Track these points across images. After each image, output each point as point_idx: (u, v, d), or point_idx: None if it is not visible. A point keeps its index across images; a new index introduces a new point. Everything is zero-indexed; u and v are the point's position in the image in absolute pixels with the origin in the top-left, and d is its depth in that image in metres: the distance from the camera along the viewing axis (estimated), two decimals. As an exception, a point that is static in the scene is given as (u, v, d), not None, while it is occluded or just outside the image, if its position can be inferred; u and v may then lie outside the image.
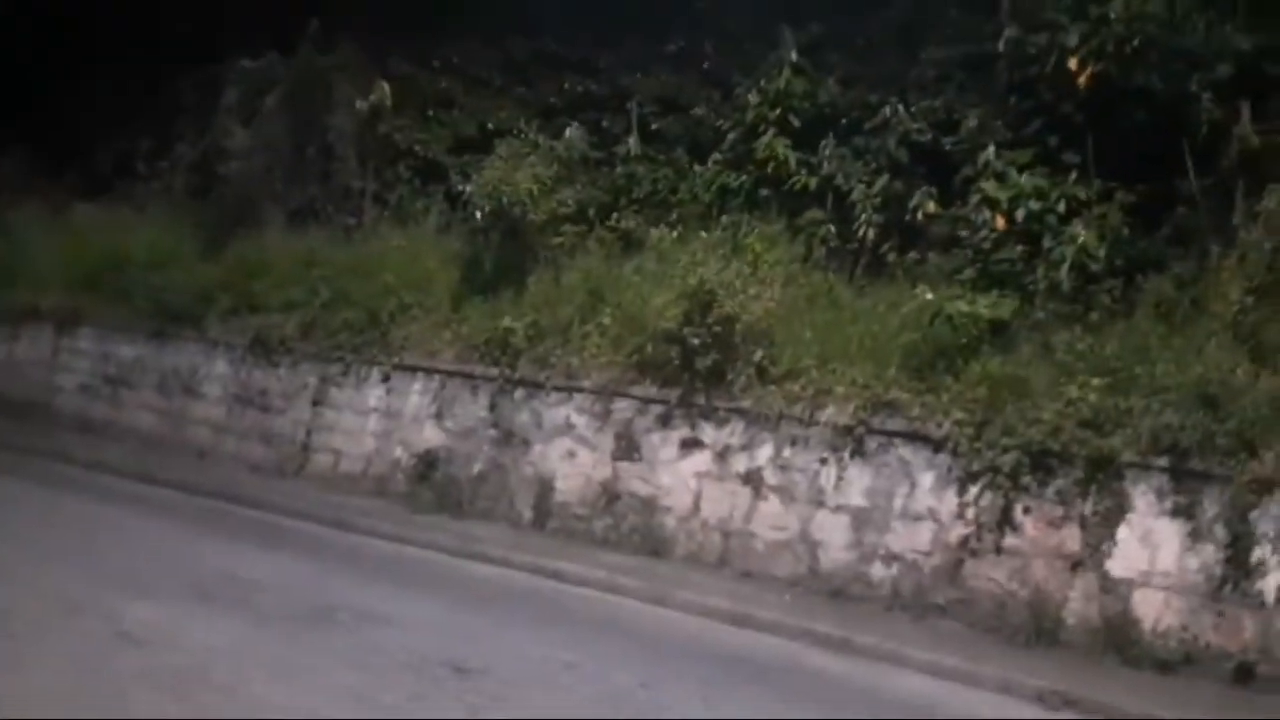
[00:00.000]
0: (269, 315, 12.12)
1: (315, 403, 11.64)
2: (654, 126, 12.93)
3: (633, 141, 12.54)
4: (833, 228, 10.38)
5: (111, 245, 13.82)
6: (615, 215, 11.92)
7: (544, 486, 9.86)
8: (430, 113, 14.52)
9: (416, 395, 10.96)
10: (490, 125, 13.87)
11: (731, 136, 11.48)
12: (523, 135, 12.65)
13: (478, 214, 11.35)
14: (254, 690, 5.13)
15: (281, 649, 5.86)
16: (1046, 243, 9.01)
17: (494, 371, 10.42)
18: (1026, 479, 7.73)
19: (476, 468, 10.37)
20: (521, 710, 5.31)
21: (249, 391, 12.18)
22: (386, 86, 13.55)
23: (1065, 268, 8.71)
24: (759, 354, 9.17)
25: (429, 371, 10.93)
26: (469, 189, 11.99)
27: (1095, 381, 7.70)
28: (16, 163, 16.52)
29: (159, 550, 7.95)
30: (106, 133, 16.22)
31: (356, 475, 11.13)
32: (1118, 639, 7.16)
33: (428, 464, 10.59)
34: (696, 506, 9.14)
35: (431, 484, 10.45)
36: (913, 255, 9.92)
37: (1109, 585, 7.34)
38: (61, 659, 5.25)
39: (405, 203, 13.60)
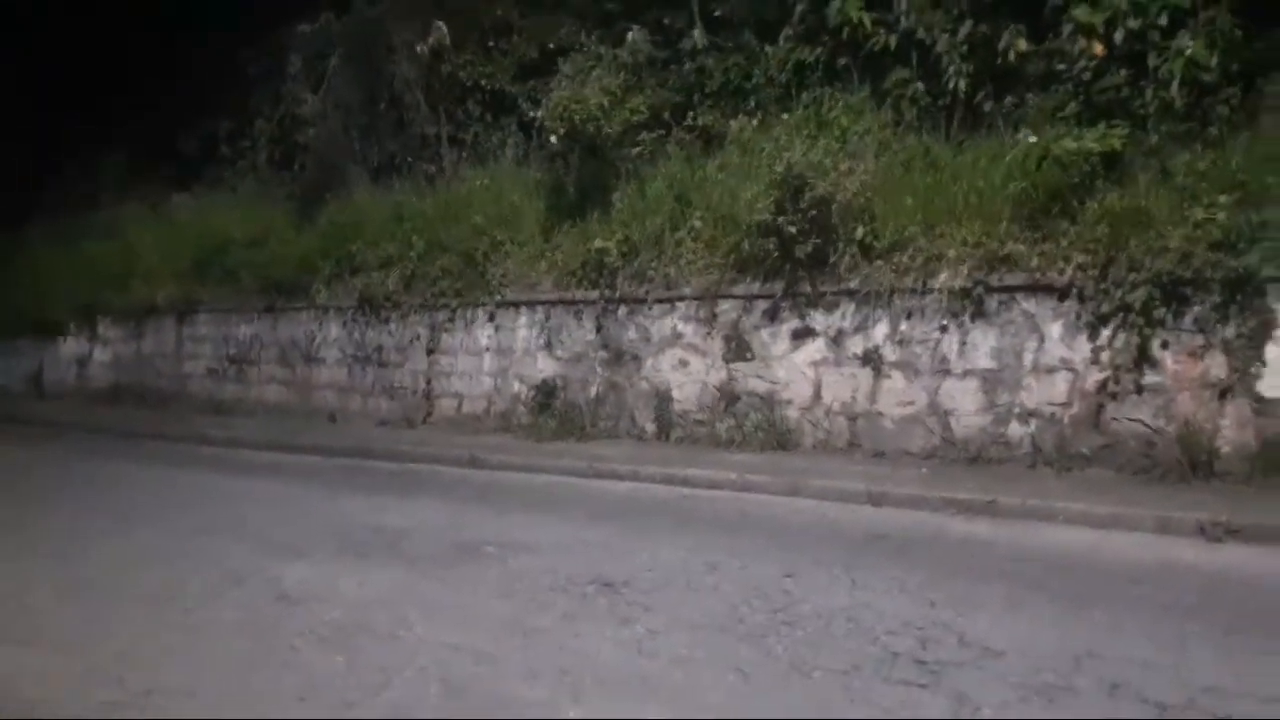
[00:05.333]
0: (370, 274, 12.38)
1: (430, 351, 11.87)
2: (717, 14, 12.47)
3: (697, 34, 12.15)
4: (920, 85, 9.94)
5: (211, 230, 14.30)
6: (690, 114, 11.67)
7: (662, 398, 9.87)
8: (491, 44, 14.33)
9: (524, 329, 11.06)
10: (551, 45, 13.63)
11: (800, 8, 11.00)
12: (584, 49, 12.43)
13: (552, 139, 11.21)
14: (416, 632, 5.26)
15: (435, 589, 6.01)
16: (1152, 61, 8.44)
17: (594, 295, 10.40)
18: (1160, 312, 7.38)
19: (593, 390, 10.44)
20: (673, 614, 5.33)
21: (365, 350, 12.49)
22: (443, 25, 13.45)
23: (1175, 84, 8.15)
24: (860, 231, 8.91)
25: (531, 304, 11.00)
26: (540, 115, 11.82)
27: (1223, 199, 7.28)
28: (114, 165, 17.17)
29: (306, 513, 8.22)
30: (189, 122, 16.63)
31: (480, 414, 11.33)
32: (1278, 461, 6.83)
33: (546, 393, 10.71)
34: (817, 395, 9.01)
35: (552, 412, 10.58)
36: (1009, 100, 9.45)
37: (1264, 407, 7.00)
38: (232, 625, 5.49)
39: (480, 140, 13.57)
